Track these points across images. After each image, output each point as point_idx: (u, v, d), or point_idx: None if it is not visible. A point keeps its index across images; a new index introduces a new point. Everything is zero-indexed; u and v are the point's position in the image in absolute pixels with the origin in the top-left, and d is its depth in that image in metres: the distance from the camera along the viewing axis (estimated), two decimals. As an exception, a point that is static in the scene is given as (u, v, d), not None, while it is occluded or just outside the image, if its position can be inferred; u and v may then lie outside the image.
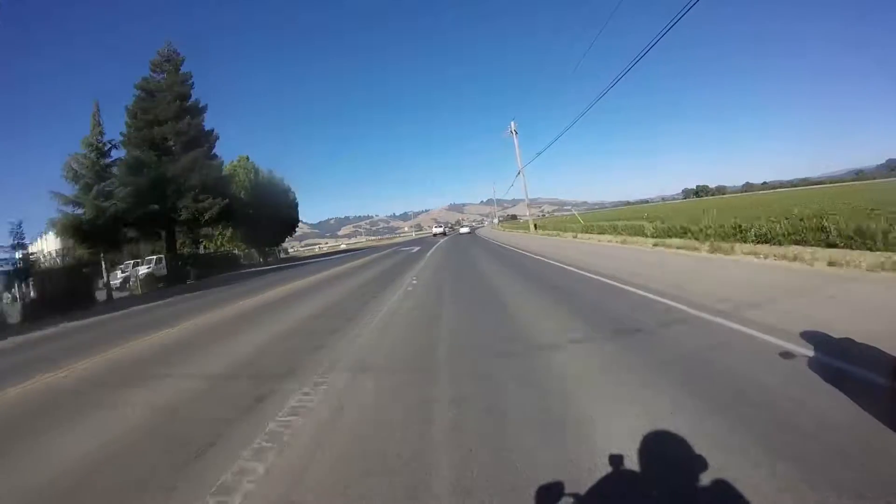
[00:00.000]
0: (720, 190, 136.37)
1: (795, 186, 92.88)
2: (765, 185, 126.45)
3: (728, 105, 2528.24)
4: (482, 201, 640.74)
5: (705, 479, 2.09)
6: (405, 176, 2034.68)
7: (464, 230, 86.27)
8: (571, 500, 2.07)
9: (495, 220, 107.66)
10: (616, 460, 2.32)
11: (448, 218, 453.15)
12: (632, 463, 2.30)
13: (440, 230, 67.66)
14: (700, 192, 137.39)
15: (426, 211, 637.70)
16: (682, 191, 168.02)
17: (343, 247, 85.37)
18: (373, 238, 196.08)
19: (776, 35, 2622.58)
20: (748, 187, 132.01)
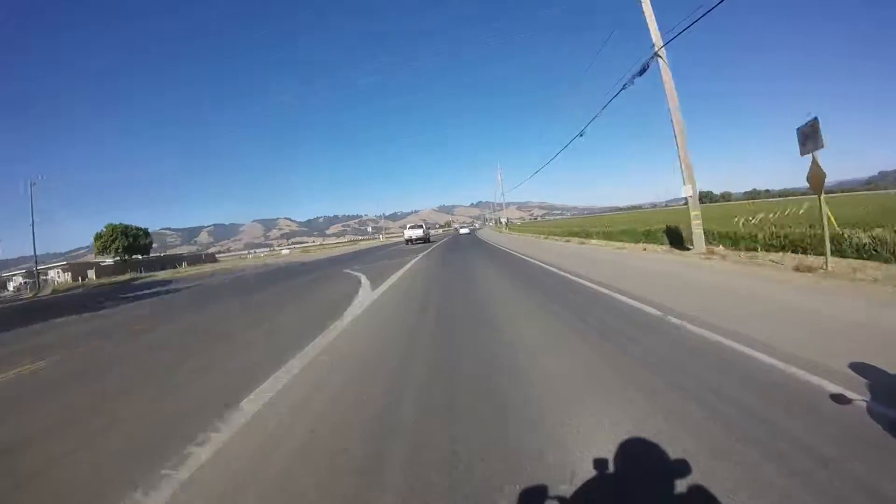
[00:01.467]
0: (725, 196, 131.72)
1: (805, 195, 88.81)
2: (768, 193, 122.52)
3: (720, 109, 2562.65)
4: (471, 204, 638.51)
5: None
6: (396, 177, 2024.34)
7: (463, 231, 76.10)
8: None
9: (503, 220, 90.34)
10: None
11: (437, 219, 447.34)
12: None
13: (418, 233, 37.11)
14: (703, 198, 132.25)
15: (415, 211, 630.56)
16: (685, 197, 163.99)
17: (286, 252, 78.18)
18: (360, 238, 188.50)
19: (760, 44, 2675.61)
20: (754, 194, 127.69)
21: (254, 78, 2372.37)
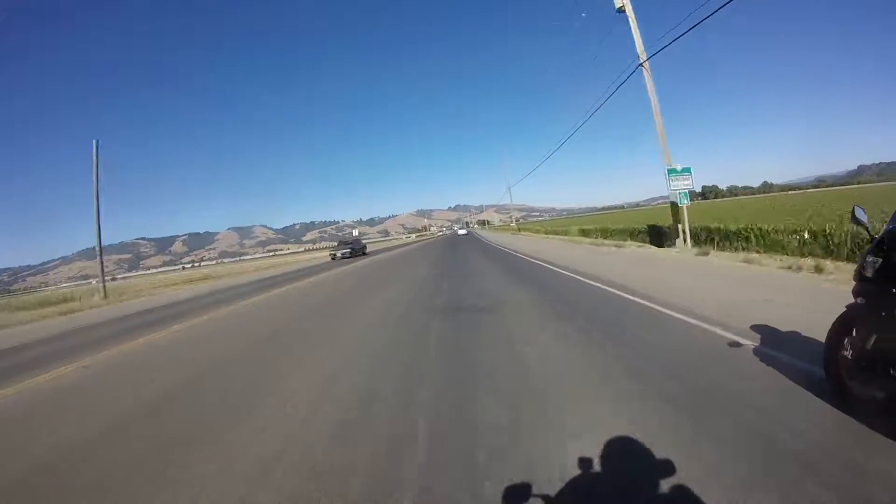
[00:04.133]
0: (732, 191, 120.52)
1: (817, 188, 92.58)
2: (772, 188, 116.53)
3: (714, 103, 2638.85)
4: (449, 207, 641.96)
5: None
6: (373, 182, 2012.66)
7: (462, 231, 75.04)
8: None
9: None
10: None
11: (415, 223, 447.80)
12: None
13: None
14: (707, 193, 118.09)
15: (393, 216, 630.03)
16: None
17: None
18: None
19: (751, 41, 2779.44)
20: (767, 188, 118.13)
21: (229, 85, 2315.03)
